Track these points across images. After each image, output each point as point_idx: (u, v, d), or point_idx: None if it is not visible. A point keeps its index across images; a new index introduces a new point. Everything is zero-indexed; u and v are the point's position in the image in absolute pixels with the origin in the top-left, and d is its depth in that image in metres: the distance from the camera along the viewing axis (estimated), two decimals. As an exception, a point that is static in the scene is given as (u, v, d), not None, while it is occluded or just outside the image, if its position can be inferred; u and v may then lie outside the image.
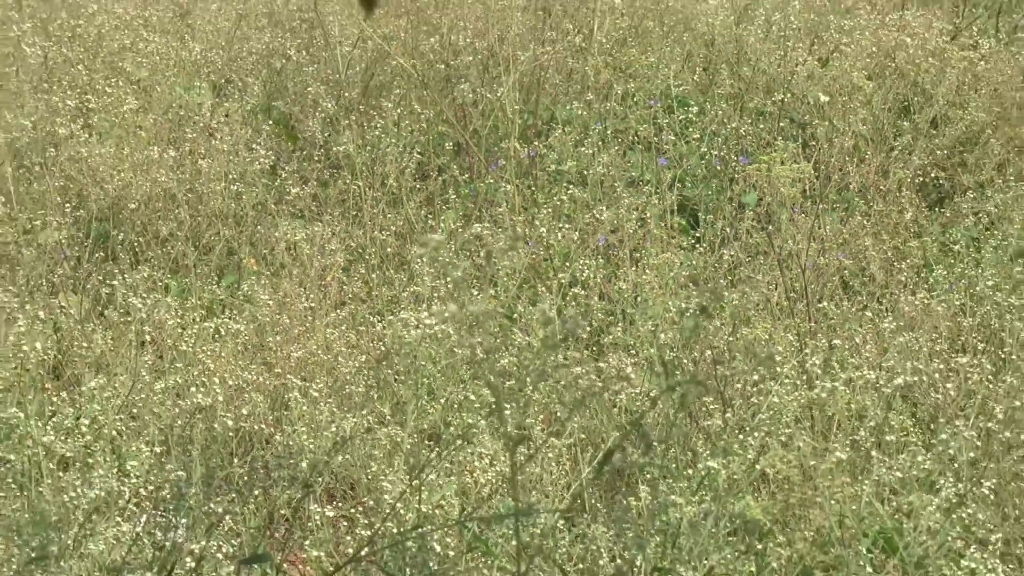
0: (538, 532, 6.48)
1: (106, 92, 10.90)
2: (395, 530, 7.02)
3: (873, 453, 8.04)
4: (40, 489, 7.30)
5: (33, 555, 6.72)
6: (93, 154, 10.31)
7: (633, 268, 9.69)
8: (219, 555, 6.72)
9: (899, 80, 11.56)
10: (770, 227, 10.50)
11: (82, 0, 11.89)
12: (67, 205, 10.40)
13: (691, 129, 11.60)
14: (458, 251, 9.87)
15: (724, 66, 12.35)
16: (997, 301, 8.91)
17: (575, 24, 12.38)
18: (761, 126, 11.79)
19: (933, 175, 10.96)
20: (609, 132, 11.31)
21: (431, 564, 6.64)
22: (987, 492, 7.94)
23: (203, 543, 6.69)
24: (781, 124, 11.74)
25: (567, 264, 9.68)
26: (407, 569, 6.63)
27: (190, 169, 10.34)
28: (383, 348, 9.01)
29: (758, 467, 7.79)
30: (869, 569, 7.39)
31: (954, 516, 7.56)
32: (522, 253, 9.67)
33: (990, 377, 8.59)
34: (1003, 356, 8.60)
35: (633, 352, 8.82)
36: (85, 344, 8.96)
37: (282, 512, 7.65)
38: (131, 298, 9.37)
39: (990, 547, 7.41)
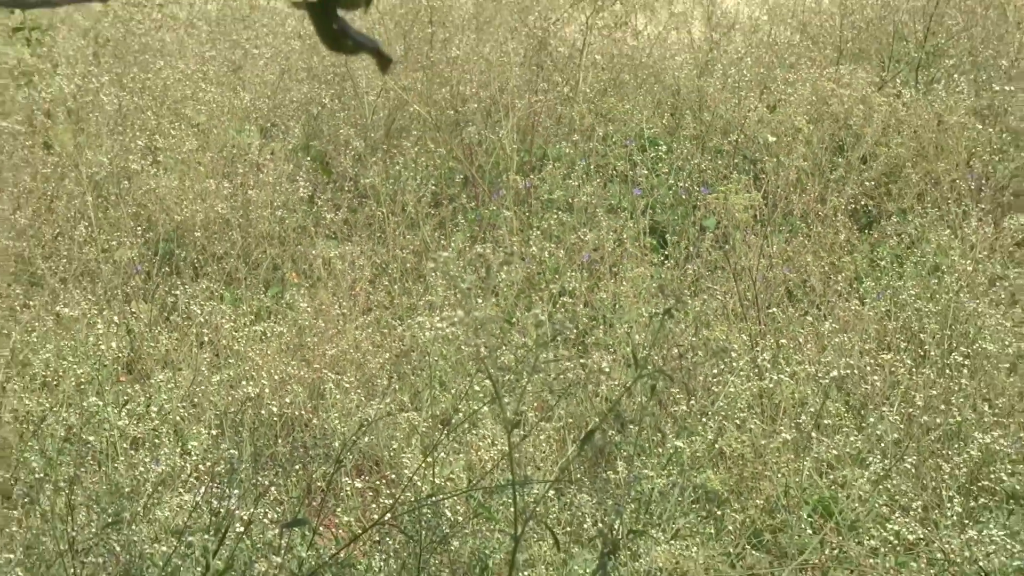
0: (532, 500, 6.47)
1: (171, 134, 10.89)
2: (412, 498, 7.03)
3: (813, 434, 8.08)
4: (115, 465, 7.29)
5: (109, 520, 6.70)
6: (160, 186, 10.30)
7: (612, 280, 9.70)
8: (265, 520, 6.73)
9: (834, 123, 11.57)
10: (726, 246, 10.52)
11: (150, 57, 11.86)
12: (138, 228, 10.49)
13: (660, 164, 11.61)
14: (465, 266, 9.90)
15: (688, 112, 12.35)
16: (917, 308, 8.92)
17: (563, 77, 12.38)
18: (719, 162, 11.81)
19: (863, 203, 10.95)
20: (592, 167, 11.31)
21: (443, 527, 6.65)
22: (909, 467, 7.93)
23: (252, 510, 6.70)
24: (735, 160, 11.76)
25: (556, 277, 9.69)
26: (422, 531, 6.64)
27: (241, 198, 10.34)
28: (403, 347, 9.03)
29: (716, 446, 7.82)
30: (809, 531, 7.44)
31: (881, 487, 7.58)
32: (518, 268, 9.69)
33: (911, 371, 8.49)
34: (922, 353, 8.61)
35: (612, 350, 8.83)
36: (153, 344, 8.97)
37: (318, 484, 7.66)
38: (192, 306, 9.38)
39: (911, 513, 7.38)
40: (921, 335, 8.92)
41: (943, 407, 8.24)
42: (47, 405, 8.06)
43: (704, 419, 8.07)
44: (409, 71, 11.55)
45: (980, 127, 10.85)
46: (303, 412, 8.37)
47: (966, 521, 7.17)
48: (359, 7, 2.36)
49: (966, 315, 8.91)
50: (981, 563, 6.53)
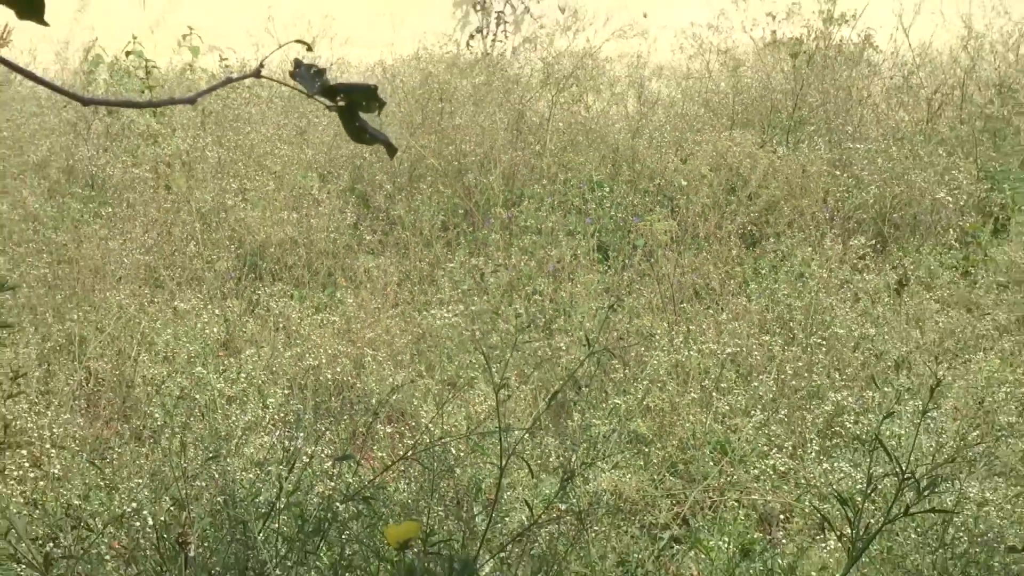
0: (513, 442, 6.47)
1: (255, 179, 10.92)
2: (427, 440, 7.05)
3: (713, 394, 8.11)
4: (215, 416, 7.32)
5: (210, 455, 6.70)
6: (248, 216, 10.32)
7: (569, 284, 9.73)
8: (322, 455, 6.73)
9: (729, 172, 11.58)
10: (651, 259, 10.54)
11: (241, 124, 11.86)
12: (232, 246, 10.44)
13: (604, 201, 11.60)
14: (465, 274, 9.97)
15: (624, 163, 12.33)
16: (788, 303, 8.96)
17: (536, 138, 12.38)
18: (646, 199, 11.78)
19: (749, 228, 10.96)
20: (556, 203, 11.33)
21: (449, 461, 6.67)
22: (782, 417, 8.08)
23: (312, 448, 6.72)
24: (658, 198, 11.77)
25: (530, 281, 9.75)
26: (435, 464, 6.66)
27: (305, 225, 10.38)
28: (420, 331, 9.09)
29: (644, 402, 7.86)
30: (711, 463, 7.47)
31: (761, 432, 7.63)
32: (503, 274, 9.76)
33: (783, 348, 8.52)
34: (791, 336, 8.67)
35: (570, 334, 8.87)
36: (242, 329, 9.01)
37: (360, 430, 7.72)
38: (270, 302, 9.46)
39: (783, 450, 7.48)
40: (791, 323, 8.95)
41: (806, 375, 8.31)
42: (166, 373, 8.10)
43: (635, 383, 8.14)
44: (425, 134, 11.64)
45: (833, 174, 10.85)
46: (349, 378, 8.48)
47: (822, 457, 7.20)
48: (373, 111, 2.35)
49: (823, 308, 8.95)
50: (833, 487, 6.56)
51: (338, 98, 2.42)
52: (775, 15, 13.42)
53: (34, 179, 10.76)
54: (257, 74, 2.60)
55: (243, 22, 12.55)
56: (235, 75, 2.58)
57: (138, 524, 5.87)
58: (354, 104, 2.40)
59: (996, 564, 5.74)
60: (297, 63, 2.45)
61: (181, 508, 5.92)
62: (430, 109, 11.62)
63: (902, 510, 5.87)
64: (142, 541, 5.67)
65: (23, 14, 2.28)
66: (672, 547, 6.59)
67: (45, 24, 2.33)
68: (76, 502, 6.30)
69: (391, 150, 2.49)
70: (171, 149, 11.34)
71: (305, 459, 6.44)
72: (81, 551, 5.69)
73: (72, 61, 13.16)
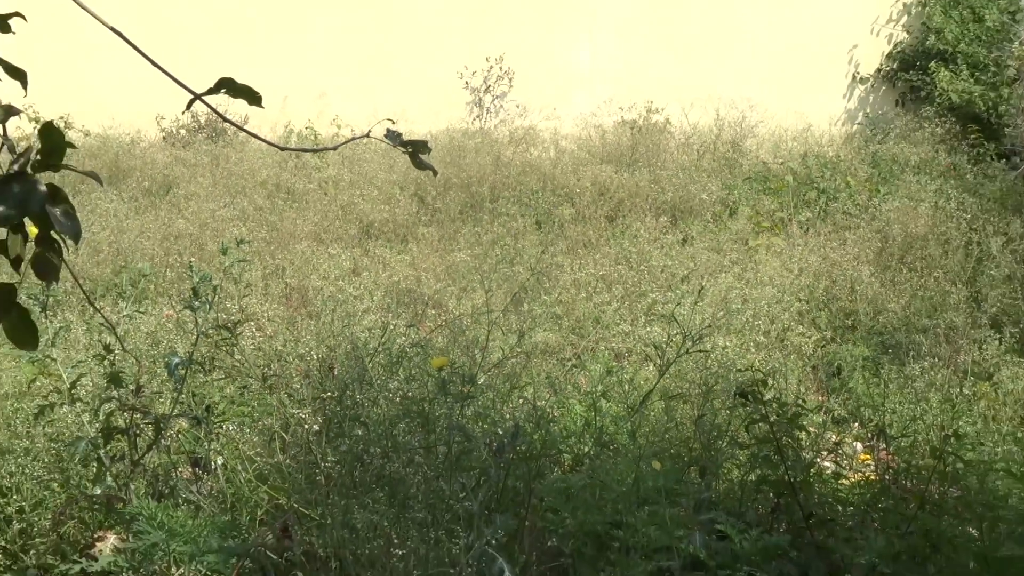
0: (494, 317, 6.48)
1: (368, 188, 10.76)
2: (452, 317, 7.03)
3: (592, 294, 7.98)
4: (348, 304, 7.27)
5: (344, 324, 6.67)
6: (365, 207, 10.18)
7: (523, 240, 9.73)
8: (401, 324, 6.65)
9: (600, 185, 11.43)
10: (562, 229, 10.42)
11: (359, 161, 11.68)
12: (357, 222, 10.15)
13: (539, 200, 11.35)
14: (471, 236, 9.94)
15: (548, 182, 12.01)
16: (628, 250, 8.72)
17: (506, 170, 12.18)
18: (560, 199, 11.45)
19: (610, 213, 10.54)
20: (515, 201, 11.14)
21: (463, 327, 6.63)
22: (627, 306, 7.76)
23: (396, 320, 6.68)
24: (565, 199, 11.62)
25: (503, 240, 9.74)
26: (455, 329, 6.64)
27: (393, 211, 10.24)
28: (449, 264, 8.96)
29: (558, 298, 7.84)
30: (591, 328, 7.30)
31: (617, 313, 7.54)
32: (489, 236, 9.73)
33: (626, 272, 8.37)
34: (631, 266, 8.49)
35: (522, 265, 8.81)
36: (362, 263, 8.92)
37: (419, 311, 7.55)
38: (375, 249, 9.33)
39: (627, 321, 7.35)
40: (630, 259, 8.66)
41: (638, 285, 8.15)
42: (324, 283, 8.07)
43: (554, 289, 7.96)
44: (450, 166, 11.41)
45: (651, 186, 10.68)
46: (414, 287, 8.29)
47: (646, 325, 7.13)
48: (425, 153, 2.36)
49: (646, 252, 8.80)
50: (651, 339, 6.54)
51: (408, 147, 2.43)
52: (623, 108, 13.26)
53: (259, 189, 10.72)
54: (367, 135, 2.62)
55: (360, 110, 12.44)
56: (356, 136, 2.54)
57: (310, 358, 5.87)
58: (416, 149, 2.40)
59: (731, 378, 5.72)
60: (388, 130, 2.46)
61: (330, 350, 5.92)
62: (453, 154, 11.50)
63: (684, 350, 5.92)
64: (312, 368, 5.69)
65: (252, 102, 2.28)
66: (572, 370, 6.57)
67: (262, 107, 2.33)
68: (279, 348, 6.30)
69: (435, 173, 2.52)
70: (326, 175, 11.25)
71: (392, 326, 6.39)
72: (281, 374, 5.69)
73: (277, 129, 13.03)
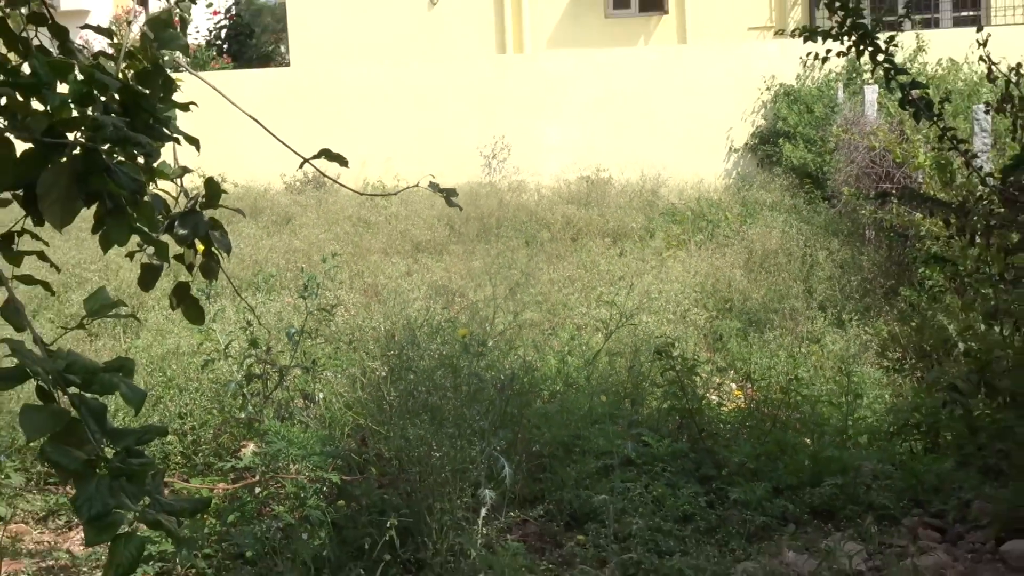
0: (497, 302, 6.45)
1: (418, 220, 10.71)
2: (471, 302, 6.99)
3: (563, 287, 7.92)
4: (401, 294, 7.26)
5: (401, 308, 6.63)
6: (414, 231, 10.13)
7: (519, 252, 9.68)
8: (439, 308, 6.63)
9: (568, 218, 11.36)
10: (544, 246, 10.35)
11: (408, 202, 11.78)
12: (408, 242, 10.07)
13: (529, 228, 11.18)
14: (483, 250, 9.86)
15: (534, 215, 11.88)
16: (586, 260, 8.70)
17: (506, 207, 12.14)
18: (541, 226, 11.36)
19: (574, 236, 10.40)
20: (512, 228, 11.14)
21: (478, 308, 6.58)
22: (583, 294, 7.57)
23: (435, 306, 6.65)
24: (547, 226, 11.53)
25: (504, 253, 9.68)
26: (473, 310, 6.61)
27: (433, 233, 10.20)
28: (469, 269, 8.91)
29: (539, 290, 7.77)
30: (561, 309, 7.18)
31: (577, 299, 7.43)
32: (495, 250, 9.64)
33: (583, 274, 8.25)
34: (587, 270, 8.45)
35: (517, 268, 8.77)
36: (413, 268, 8.85)
37: (450, 299, 7.53)
38: (422, 258, 9.18)
39: (583, 305, 7.20)
40: (588, 265, 8.65)
41: (592, 283, 8.10)
42: (387, 280, 8.08)
43: (537, 284, 7.88)
44: (468, 204, 11.35)
45: (595, 218, 10.63)
46: (446, 283, 8.21)
47: (595, 307, 7.08)
48: (455, 196, 2.32)
49: (595, 261, 8.75)
50: (600, 318, 6.52)
51: (443, 193, 2.40)
52: (581, 168, 13.30)
53: (346, 221, 10.67)
54: (417, 185, 2.60)
55: (413, 169, 12.41)
56: (410, 186, 2.51)
57: (379, 329, 5.86)
58: (448, 194, 2.37)
59: (651, 342, 5.68)
60: (431, 183, 2.43)
61: (392, 324, 5.91)
62: (471, 198, 11.44)
63: (620, 324, 5.91)
64: (380, 336, 5.68)
65: (341, 164, 2.17)
66: (549, 337, 6.54)
67: (347, 167, 2.29)
68: (359, 323, 6.28)
69: (460, 209, 2.49)
70: (390, 211, 11.14)
71: (432, 309, 6.37)
72: (360, 339, 5.66)
73: (358, 181, 12.92)
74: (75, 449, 1.28)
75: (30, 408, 1.33)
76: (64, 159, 1.57)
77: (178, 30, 2.31)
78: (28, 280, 1.96)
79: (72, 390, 1.36)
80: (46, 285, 1.97)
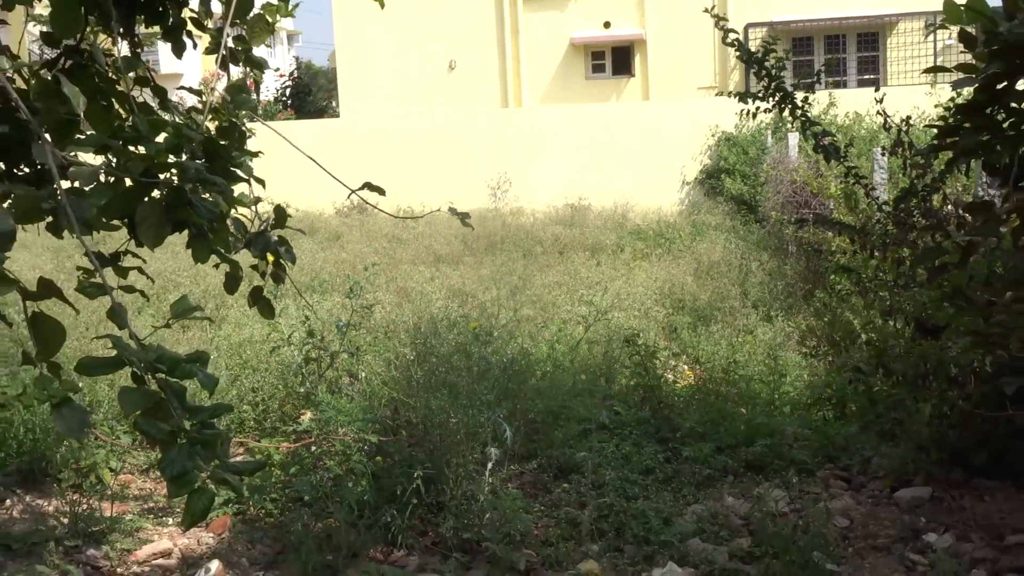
0: (503, 300, 6.33)
1: (440, 238, 10.62)
2: (483, 301, 6.90)
3: (553, 290, 7.82)
4: (427, 294, 7.18)
5: (428, 306, 6.54)
6: (437, 247, 10.08)
7: (519, 262, 9.59)
8: (457, 307, 6.58)
9: (556, 236, 11.15)
10: (534, 257, 10.24)
11: (433, 224, 11.18)
12: (431, 255, 9.93)
13: (523, 244, 11.04)
14: (491, 261, 9.69)
15: (530, 234, 11.40)
16: (570, 269, 8.59)
17: (509, 228, 12.18)
18: (534, 243, 11.01)
19: (561, 251, 10.15)
20: (512, 244, 10.82)
21: (487, 306, 6.50)
22: (567, 296, 7.36)
23: (455, 306, 6.56)
24: (538, 242, 11.33)
25: (508, 263, 9.54)
26: (483, 308, 6.54)
27: (451, 248, 10.05)
28: (481, 275, 8.81)
29: (533, 291, 7.67)
30: (553, 306, 6.98)
31: (563, 299, 7.21)
32: (500, 261, 9.49)
33: (568, 279, 8.12)
34: (569, 277, 8.36)
35: (517, 275, 8.69)
36: (436, 275, 8.67)
37: (466, 300, 7.46)
38: (444, 268, 9.00)
39: (570, 303, 7.02)
40: (573, 272, 8.51)
41: (575, 287, 8.01)
42: (418, 283, 8.03)
43: (532, 287, 7.77)
44: (478, 224, 11.29)
45: (576, 236, 10.55)
46: (461, 288, 8.11)
47: (577, 304, 6.91)
48: (468, 218, 2.26)
49: (577, 271, 8.63)
50: (580, 313, 6.47)
51: (459, 216, 2.37)
52: (568, 198, 13.26)
53: (383, 238, 10.62)
54: (439, 210, 2.57)
55: (435, 197, 12.37)
56: (433, 211, 2.49)
57: (408, 323, 5.81)
58: (463, 217, 2.35)
59: (621, 333, 5.62)
60: (450, 208, 2.39)
61: (419, 319, 5.86)
62: (481, 220, 11.35)
63: (597, 319, 5.86)
64: (408, 328, 5.64)
65: (380, 193, 2.16)
66: (541, 329, 6.48)
67: (384, 196, 2.27)
68: (393, 317, 6.20)
69: (472, 228, 2.45)
70: (417, 231, 11.05)
71: (449, 307, 6.31)
72: (393, 330, 5.62)
73: (393, 207, 12.79)
74: (161, 422, 1.29)
75: (127, 389, 1.35)
76: (156, 195, 1.57)
77: (252, 92, 2.31)
78: (129, 289, 1.95)
79: (159, 376, 1.36)
80: (143, 293, 1.96)
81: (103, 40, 2.28)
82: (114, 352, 1.34)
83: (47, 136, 1.50)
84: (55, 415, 1.31)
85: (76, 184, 1.54)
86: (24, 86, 1.80)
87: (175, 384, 1.36)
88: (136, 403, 1.33)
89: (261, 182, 2.14)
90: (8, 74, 1.79)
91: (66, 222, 1.44)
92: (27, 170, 1.79)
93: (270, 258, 2.25)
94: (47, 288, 1.52)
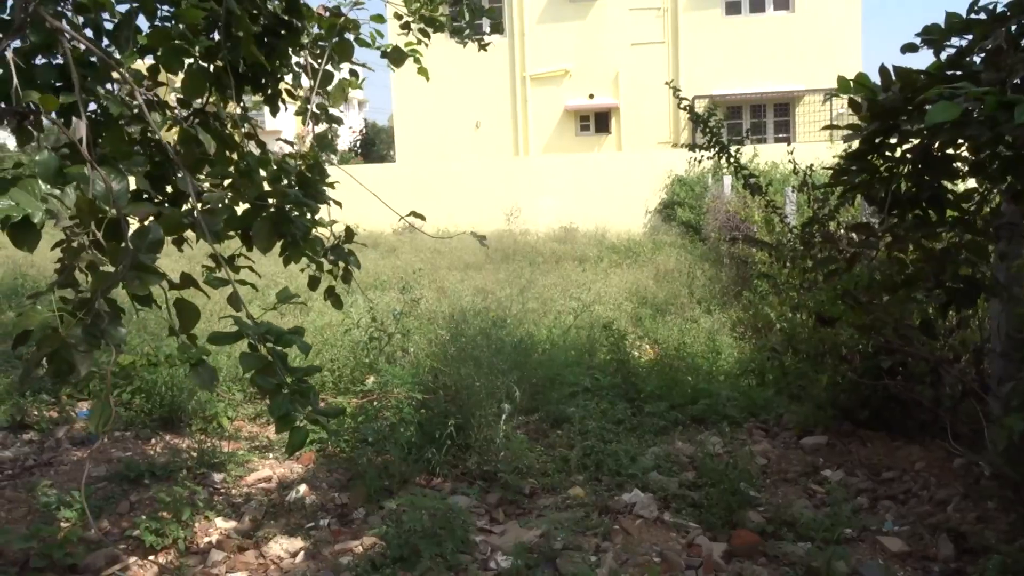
0: (511, 296, 6.18)
1: (467, 252, 10.51)
2: (495, 296, 6.77)
3: (550, 290, 7.55)
4: (453, 288, 7.08)
5: (452, 299, 6.48)
6: (467, 257, 9.91)
7: (524, 269, 9.43)
8: (476, 300, 6.53)
9: (552, 250, 10.48)
10: (533, 264, 9.98)
11: (464, 244, 11.09)
12: (461, 263, 9.43)
13: (526, 255, 10.34)
14: (504, 268, 9.42)
15: (534, 249, 10.79)
16: (563, 274, 8.44)
17: (517, 244, 11.61)
18: (534, 254, 10.17)
19: (556, 261, 9.63)
20: (521, 256, 10.10)
21: (497, 296, 6.40)
22: (561, 294, 7.03)
23: (471, 298, 6.45)
24: (537, 252, 10.36)
25: (516, 271, 9.35)
26: (492, 301, 6.45)
27: (476, 257, 9.64)
28: (497, 279, 8.66)
29: (532, 290, 7.48)
30: (549, 301, 6.67)
31: (556, 296, 6.95)
32: (510, 268, 9.25)
33: (560, 280, 7.88)
34: (566, 283, 8.33)
35: (522, 278, 8.51)
36: (463, 278, 8.37)
37: (482, 293, 7.04)
38: (470, 273, 8.59)
39: (564, 300, 6.72)
40: (565, 278, 8.35)
41: (565, 289, 7.76)
42: (449, 282, 7.93)
43: (533, 286, 7.65)
44: (493, 241, 11.19)
45: (567, 251, 10.42)
46: (482, 287, 7.99)
47: (567, 300, 6.65)
48: (485, 238, 2.28)
49: (570, 277, 8.50)
50: (571, 308, 6.37)
51: (479, 237, 2.37)
52: (563, 222, 13.18)
53: (426, 251, 10.46)
54: (465, 232, 2.56)
55: (464, 222, 12.30)
56: (461, 233, 2.48)
57: (445, 311, 5.72)
58: (481, 239, 2.35)
59: (601, 321, 5.47)
60: (472, 232, 2.40)
61: (453, 309, 5.78)
62: (497, 240, 11.26)
63: (583, 311, 5.80)
64: (445, 316, 5.58)
65: (422, 219, 2.21)
66: (542, 317, 6.38)
67: (425, 220, 2.26)
68: (433, 307, 6.13)
69: (487, 247, 2.46)
70: (451, 246, 10.76)
71: (474, 300, 6.21)
72: (434, 317, 5.53)
73: (433, 229, 12.44)
74: (270, 377, 1.32)
75: (246, 354, 1.37)
76: (266, 214, 1.60)
77: (333, 141, 2.35)
78: (241, 283, 1.99)
79: (268, 345, 1.38)
80: (252, 286, 2.00)
81: (222, 103, 2.32)
82: (235, 328, 1.36)
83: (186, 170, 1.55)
84: (192, 372, 1.34)
85: (207, 206, 1.58)
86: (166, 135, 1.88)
87: (279, 351, 1.39)
88: (252, 364, 1.37)
89: (339, 203, 2.17)
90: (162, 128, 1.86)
91: (200, 232, 1.47)
92: (167, 194, 1.86)
93: (342, 264, 2.25)
94: (187, 280, 1.57)
